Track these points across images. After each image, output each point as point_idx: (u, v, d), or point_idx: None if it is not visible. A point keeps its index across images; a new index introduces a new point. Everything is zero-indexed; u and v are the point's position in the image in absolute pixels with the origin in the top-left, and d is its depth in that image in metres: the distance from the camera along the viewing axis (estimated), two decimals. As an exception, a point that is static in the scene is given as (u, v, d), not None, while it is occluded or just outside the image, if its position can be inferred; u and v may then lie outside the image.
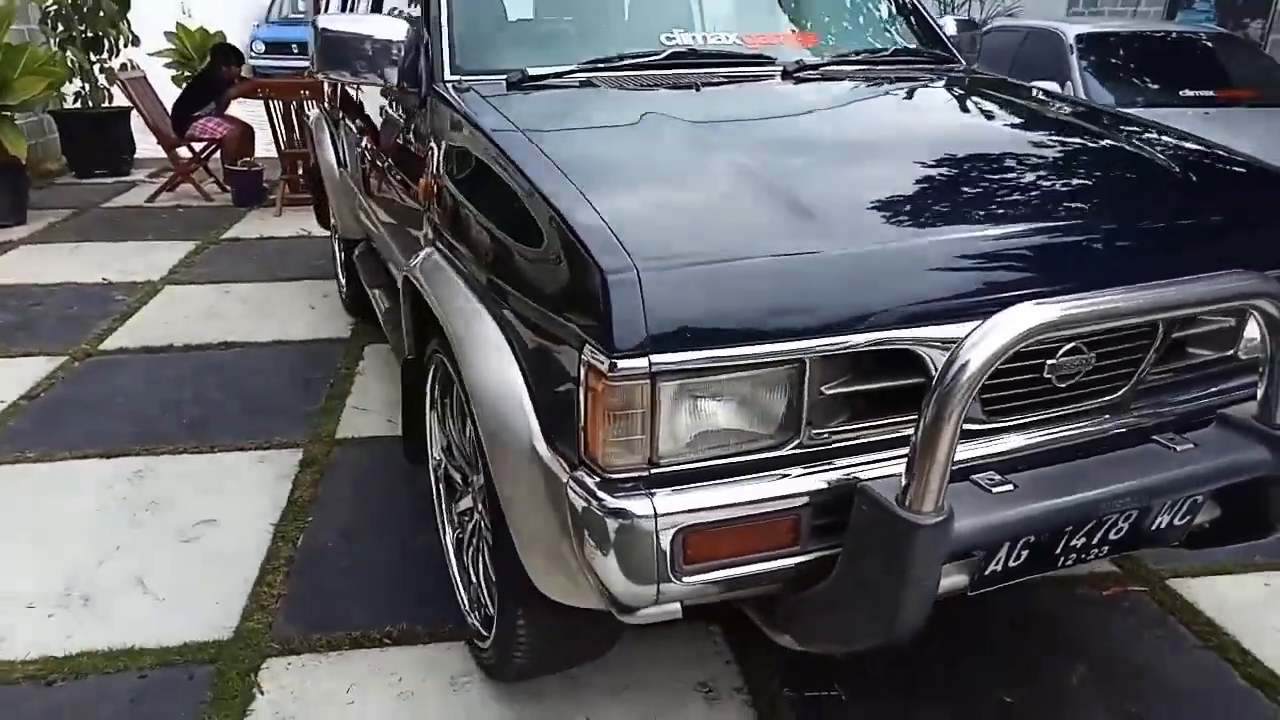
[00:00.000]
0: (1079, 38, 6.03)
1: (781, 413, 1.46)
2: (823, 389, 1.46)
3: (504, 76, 2.22)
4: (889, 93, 2.38)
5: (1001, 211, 1.64)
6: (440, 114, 2.18)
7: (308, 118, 4.92)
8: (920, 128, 2.13)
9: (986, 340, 1.29)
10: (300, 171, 7.14)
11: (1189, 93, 5.63)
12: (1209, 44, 6.25)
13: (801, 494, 1.45)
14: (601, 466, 1.41)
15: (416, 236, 2.34)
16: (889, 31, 2.86)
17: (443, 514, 2.33)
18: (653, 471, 1.42)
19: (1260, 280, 1.49)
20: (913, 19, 2.86)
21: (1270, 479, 1.63)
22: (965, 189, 1.74)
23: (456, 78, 2.24)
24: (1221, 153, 2.03)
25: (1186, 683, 2.11)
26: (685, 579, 1.42)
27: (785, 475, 1.46)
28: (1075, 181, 1.80)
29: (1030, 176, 1.83)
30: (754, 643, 2.16)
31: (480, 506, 1.98)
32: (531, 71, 2.18)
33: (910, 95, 2.38)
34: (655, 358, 1.35)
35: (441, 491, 2.33)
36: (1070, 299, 1.36)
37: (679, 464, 1.43)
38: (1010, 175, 1.83)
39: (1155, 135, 2.12)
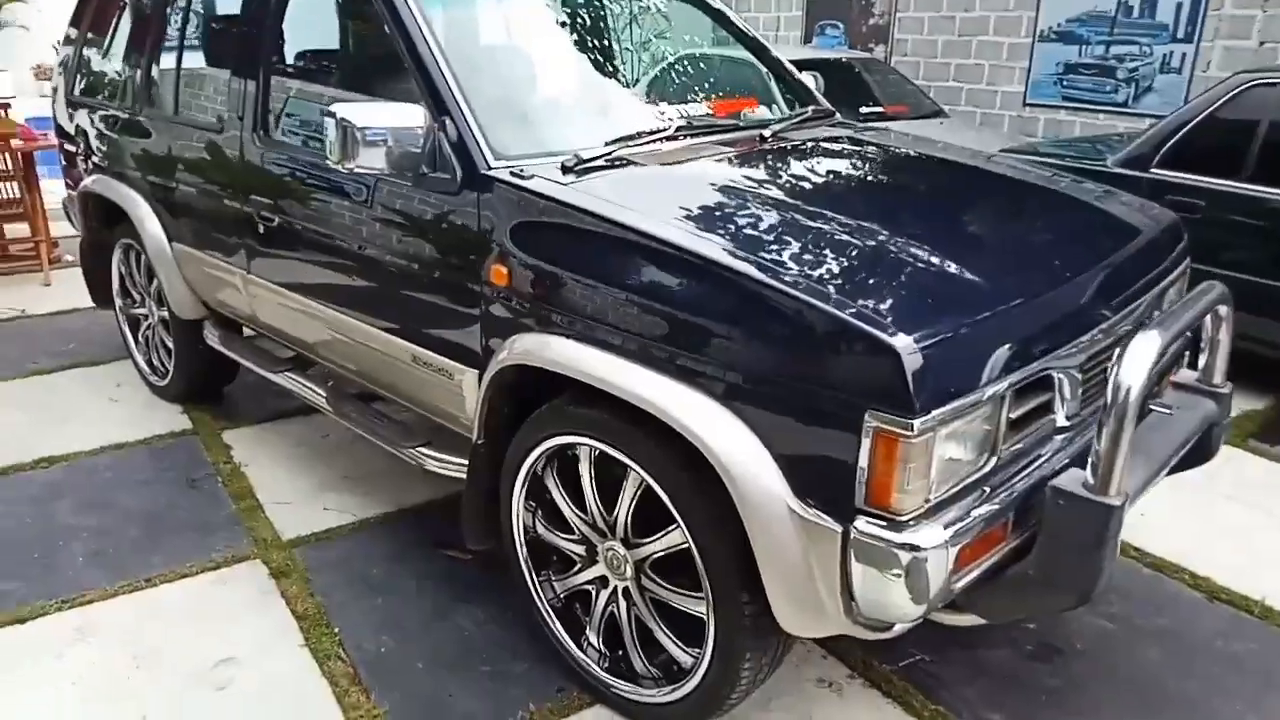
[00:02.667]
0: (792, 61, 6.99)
1: (988, 439, 1.83)
2: (1009, 415, 1.86)
3: (554, 159, 2.30)
4: (858, 152, 2.81)
5: (1059, 263, 2.14)
6: (504, 200, 2.21)
7: (74, 187, 4.22)
8: (933, 186, 2.60)
9: (1140, 365, 1.78)
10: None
11: (865, 110, 6.82)
12: (861, 67, 7.58)
13: (1013, 498, 1.85)
14: (894, 511, 1.69)
15: (463, 322, 2.34)
16: (787, 93, 3.33)
17: (537, 587, 2.38)
18: (926, 507, 1.72)
19: (1223, 289, 2.17)
20: (798, 86, 3.35)
21: (1214, 422, 2.34)
22: (1021, 244, 2.23)
23: (506, 163, 2.27)
24: (1098, 189, 2.74)
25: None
26: (954, 587, 1.76)
27: (1001, 487, 1.85)
28: (1071, 228, 2.38)
29: (1042, 229, 2.37)
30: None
31: (636, 572, 2.13)
32: (584, 154, 2.29)
33: (876, 155, 2.84)
34: (935, 412, 1.66)
35: (532, 566, 2.37)
36: (1158, 326, 1.90)
37: (940, 496, 1.75)
38: (1029, 229, 2.36)
39: (1046, 173, 2.81)
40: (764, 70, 3.49)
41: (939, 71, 7.93)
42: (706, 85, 3.03)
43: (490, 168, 2.27)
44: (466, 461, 2.47)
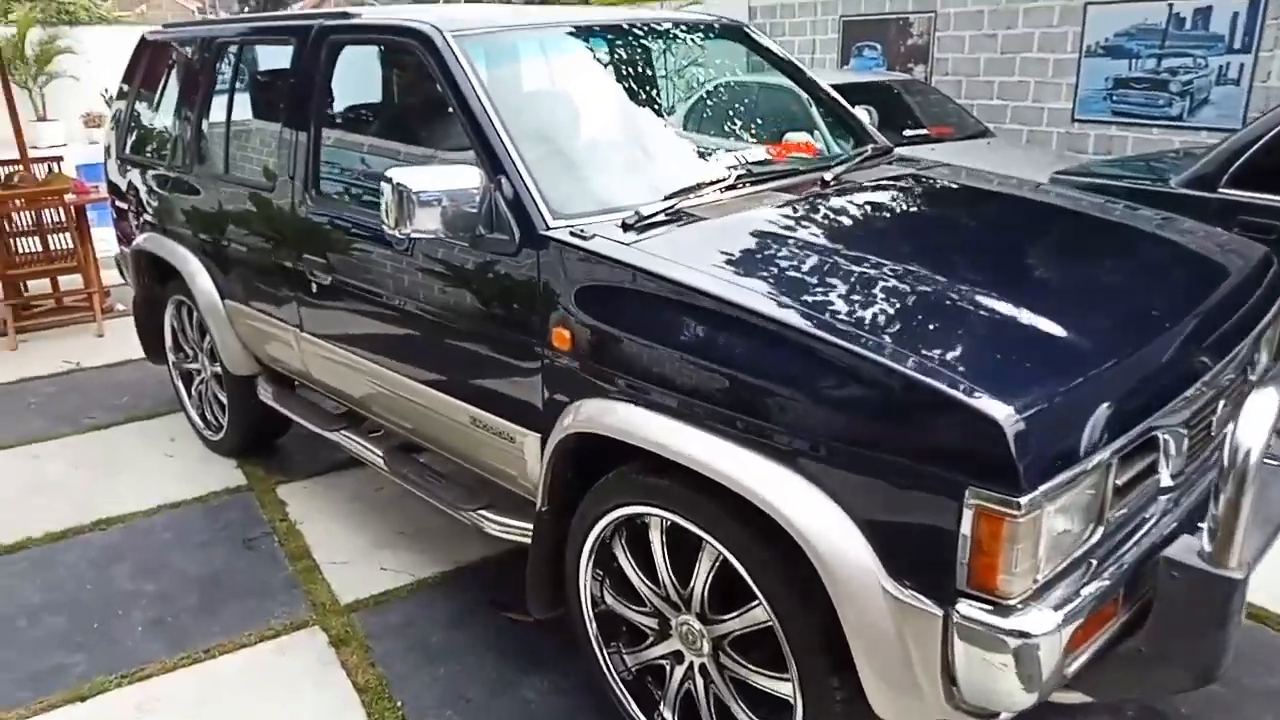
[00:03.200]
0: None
1: (1094, 508, 1.71)
2: (1115, 481, 1.74)
3: (614, 216, 2.23)
4: (926, 193, 2.71)
5: (1155, 312, 2.02)
6: (564, 261, 2.15)
7: (126, 243, 4.24)
8: (1006, 229, 2.48)
9: (1259, 425, 1.65)
10: (25, 292, 6.10)
11: (909, 133, 6.70)
12: (901, 89, 7.46)
13: (1123, 571, 1.72)
14: (1000, 595, 1.57)
15: (524, 385, 2.27)
16: (843, 133, 3.23)
17: (606, 659, 2.28)
18: (1034, 588, 1.61)
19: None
20: (851, 120, 3.25)
21: None
22: (1112, 291, 2.11)
23: (565, 222, 2.21)
24: (1181, 223, 2.61)
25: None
26: (1066, 671, 1.63)
27: (1110, 559, 1.72)
28: (1161, 271, 2.25)
29: (1131, 273, 2.24)
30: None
31: (714, 648, 2.03)
32: (644, 210, 2.21)
33: (945, 195, 2.73)
34: (1042, 487, 1.55)
35: (601, 638, 2.28)
36: (1275, 381, 1.76)
37: (1048, 576, 1.63)
38: (1118, 273, 2.23)
39: (1125, 208, 2.68)
40: (816, 107, 3.40)
41: (982, 90, 7.79)
42: (757, 122, 2.95)
43: (549, 227, 2.20)
44: (529, 526, 2.40)
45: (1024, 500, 1.52)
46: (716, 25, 3.31)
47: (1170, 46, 6.48)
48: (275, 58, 3.32)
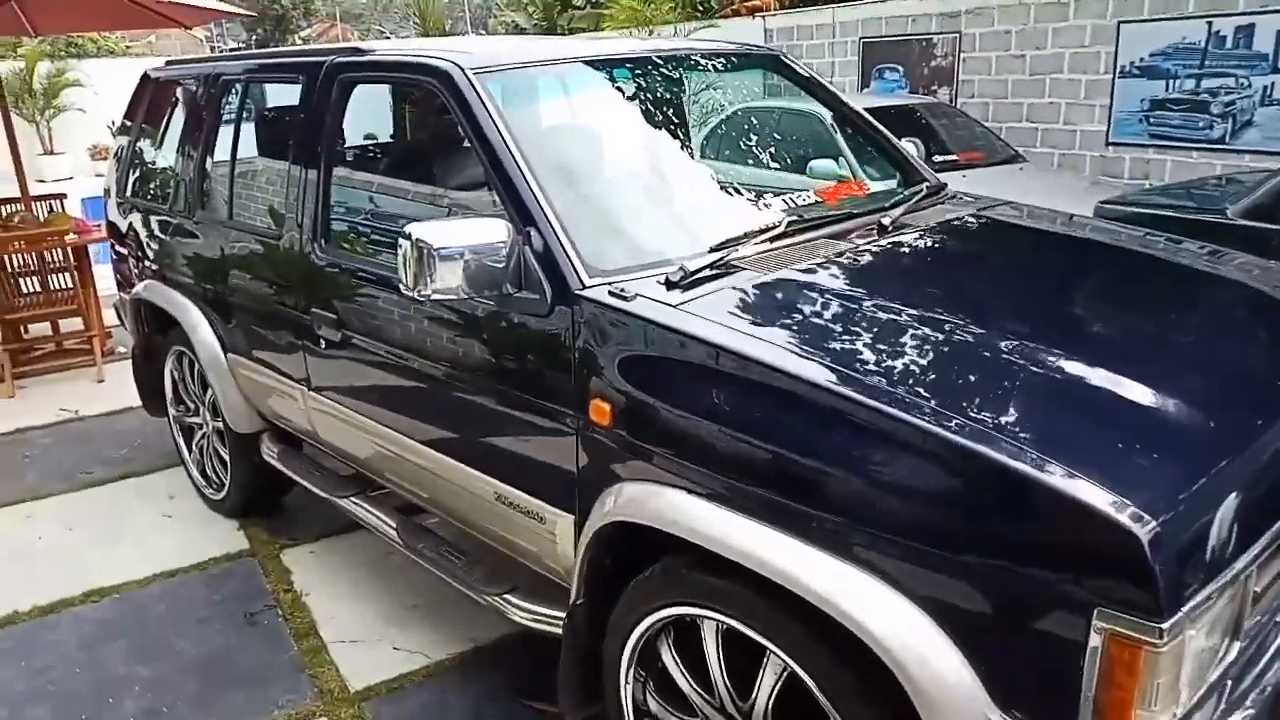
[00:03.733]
0: (834, 116, 6.69)
1: (1231, 622, 1.46)
2: (1254, 588, 1.48)
3: (655, 271, 2.00)
4: (994, 239, 2.48)
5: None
6: (603, 325, 1.91)
7: (126, 289, 4.04)
8: (1090, 281, 2.24)
9: None
10: (24, 334, 5.91)
11: (938, 158, 6.47)
12: (926, 113, 7.24)
13: (1266, 697, 1.47)
14: (1133, 737, 1.31)
15: (557, 461, 2.03)
16: (892, 170, 3.00)
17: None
18: (1175, 726, 1.35)
19: None
20: (898, 155, 3.02)
21: None
22: (1228, 359, 1.85)
23: (600, 280, 1.97)
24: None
25: None
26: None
27: (1251, 682, 1.47)
28: (1271, 333, 2.00)
29: (1243, 335, 2.00)
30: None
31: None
32: (690, 265, 1.97)
33: (1015, 241, 2.50)
34: (1185, 608, 1.30)
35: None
36: None
37: (1187, 708, 1.38)
38: (1228, 335, 1.98)
39: (1214, 252, 2.44)
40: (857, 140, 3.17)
41: (1010, 112, 7.57)
42: (778, 149, 2.73)
43: (584, 286, 1.97)
44: (560, 616, 2.15)
45: (1166, 625, 1.26)
46: (753, 55, 3.09)
47: (1210, 66, 6.25)
48: (283, 96, 3.11)
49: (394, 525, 2.71)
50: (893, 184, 3.05)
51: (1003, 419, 1.49)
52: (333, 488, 3.00)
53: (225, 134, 3.28)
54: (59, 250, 5.63)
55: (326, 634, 2.95)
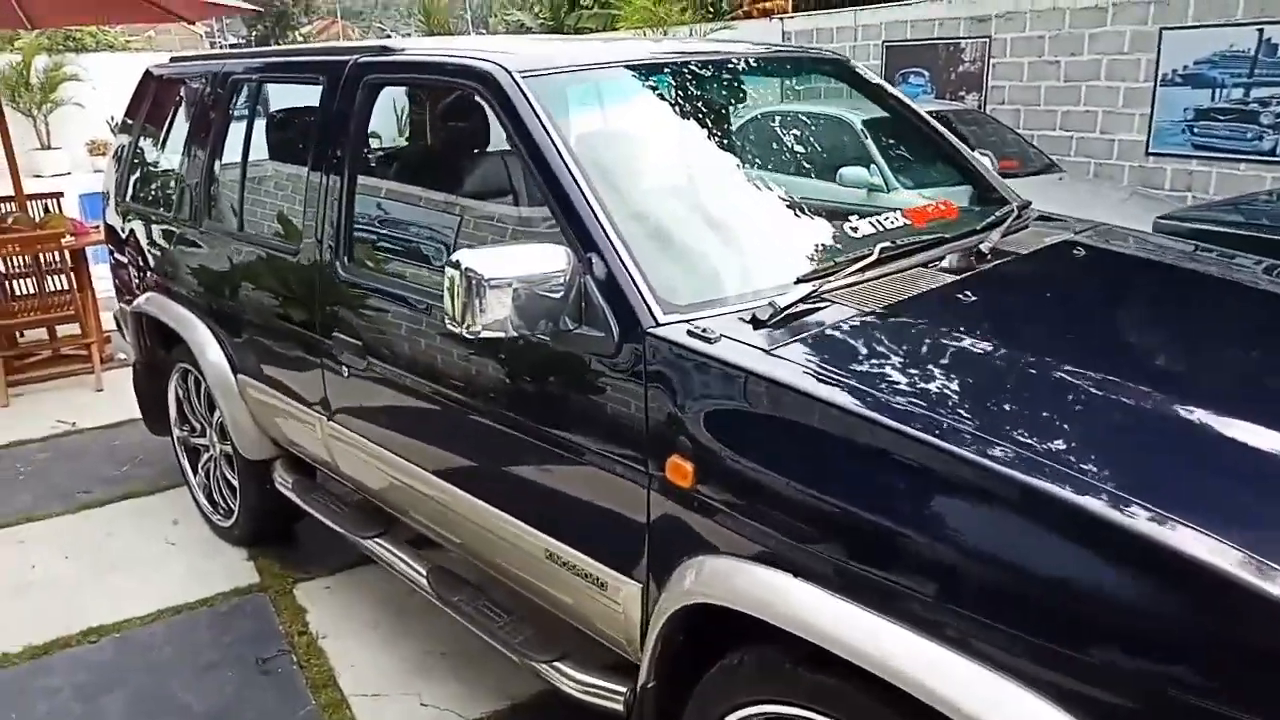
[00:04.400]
0: (865, 123, 6.45)
1: None
2: None
3: (738, 305, 1.75)
4: (1105, 268, 2.24)
5: None
6: (682, 370, 1.66)
7: (125, 298, 3.78)
8: (1223, 318, 2.00)
9: None
10: (19, 340, 5.66)
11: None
12: (957, 120, 7.00)
13: None
14: None
15: (623, 522, 1.78)
16: (976, 190, 2.75)
17: None
18: None
19: None
20: (974, 169, 2.78)
21: None
22: None
23: (675, 316, 1.72)
24: None
25: None
26: None
27: None
28: None
29: None
30: None
31: None
32: (779, 302, 1.72)
33: (1129, 272, 2.27)
34: None
35: None
36: None
37: None
38: None
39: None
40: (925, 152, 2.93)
41: (1043, 120, 7.33)
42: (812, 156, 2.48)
43: (657, 323, 1.72)
44: (621, 691, 1.90)
45: None
46: (817, 59, 2.85)
47: (1261, 75, 6.01)
48: (299, 98, 2.86)
49: (424, 573, 2.45)
50: (967, 201, 2.83)
51: (1192, 505, 1.23)
52: (355, 526, 2.75)
53: (235, 138, 3.03)
54: (55, 254, 5.36)
55: (346, 684, 2.69)
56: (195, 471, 3.65)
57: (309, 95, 2.72)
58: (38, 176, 13.11)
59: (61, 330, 5.83)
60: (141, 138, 3.68)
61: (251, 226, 2.92)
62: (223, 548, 3.49)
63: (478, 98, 2.14)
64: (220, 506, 3.52)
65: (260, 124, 2.98)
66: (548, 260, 1.77)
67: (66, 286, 5.44)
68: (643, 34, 10.16)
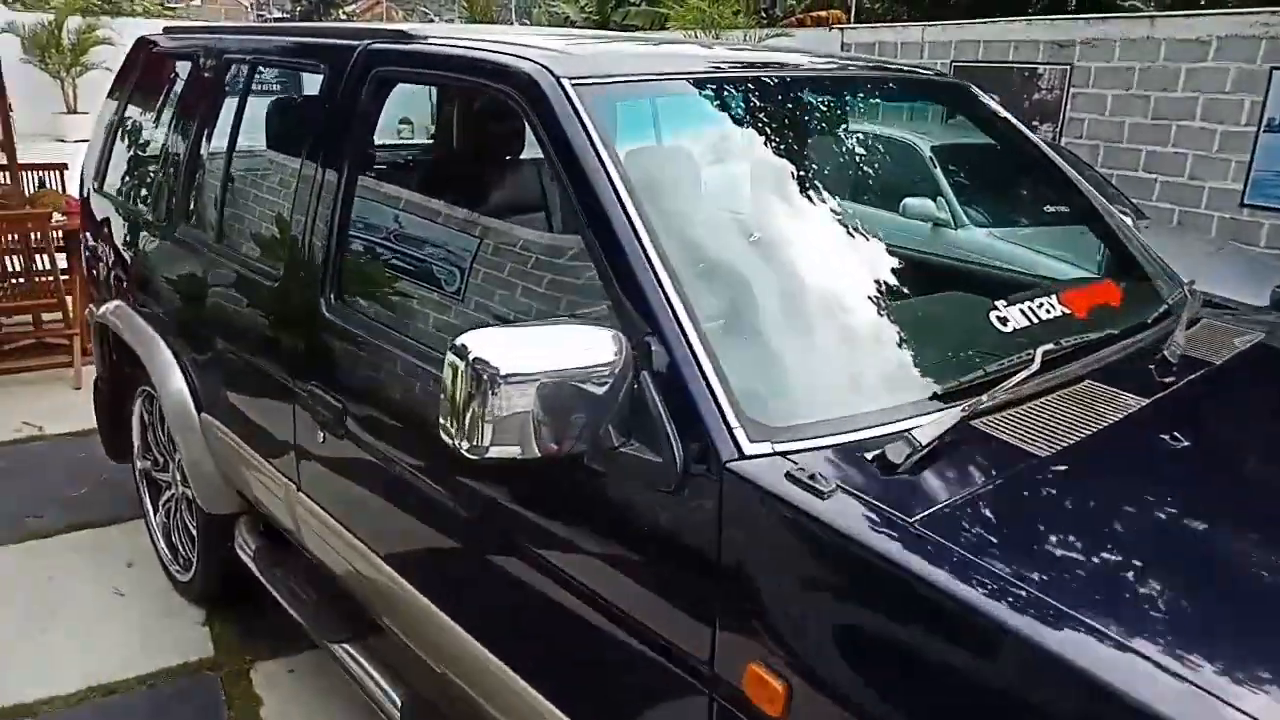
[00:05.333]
0: (934, 149, 5.90)
1: None
2: None
3: (856, 434, 1.22)
4: None
5: None
6: (777, 532, 1.14)
7: (92, 296, 3.30)
8: None
9: None
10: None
11: (1049, 209, 5.65)
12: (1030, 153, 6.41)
13: None
14: None
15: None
16: (1116, 259, 2.20)
17: None
18: None
19: None
20: (1120, 234, 2.23)
21: None
22: None
23: (771, 444, 1.20)
24: None
25: None
26: None
27: None
28: None
29: None
30: None
31: None
32: (919, 436, 1.19)
33: None
34: None
35: None
36: None
37: None
38: None
39: None
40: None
41: (1125, 159, 6.73)
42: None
43: (742, 454, 1.19)
44: None
45: None
46: (938, 83, 2.32)
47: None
48: (299, 87, 2.36)
49: (398, 705, 1.93)
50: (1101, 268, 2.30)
51: None
52: (321, 622, 2.23)
53: (222, 129, 2.52)
54: (38, 233, 4.90)
55: (296, 816, 2.19)
56: (156, 509, 3.15)
57: (312, 85, 2.22)
58: (61, 140, 12.76)
59: (47, 316, 5.37)
60: (124, 118, 3.19)
61: (231, 239, 2.41)
62: (178, 605, 2.99)
63: (512, 105, 1.62)
64: (180, 555, 3.02)
65: (251, 116, 2.48)
66: (590, 346, 1.25)
67: (50, 268, 4.97)
68: (694, 35, 9.64)
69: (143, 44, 3.17)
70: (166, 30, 3.16)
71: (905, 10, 11.79)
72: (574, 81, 1.54)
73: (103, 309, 3.04)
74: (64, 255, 5.17)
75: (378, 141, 2.41)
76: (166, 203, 2.70)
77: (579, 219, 1.43)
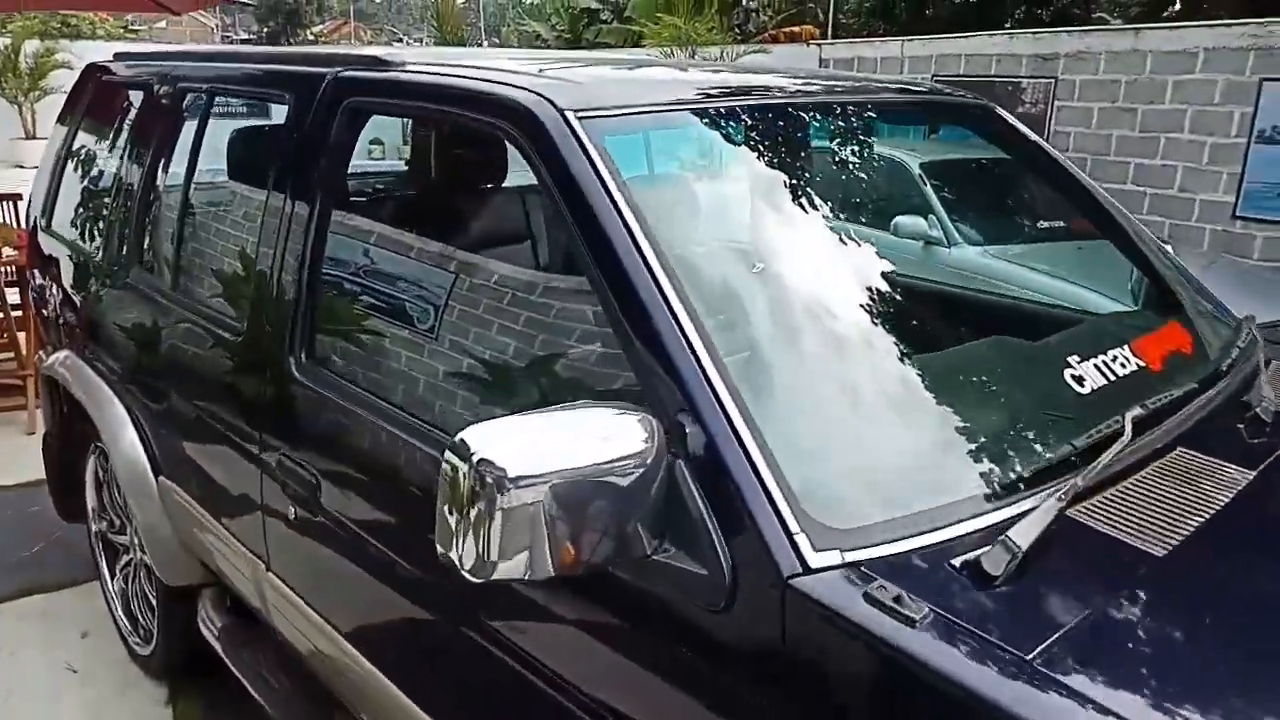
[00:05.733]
0: (923, 166, 5.76)
1: None
2: None
3: (936, 535, 1.02)
4: None
5: None
6: (847, 664, 0.93)
7: (41, 340, 3.04)
8: None
9: None
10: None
11: (1044, 224, 5.52)
12: (1008, 169, 6.29)
13: None
14: None
15: None
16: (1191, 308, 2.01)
17: None
18: None
19: None
20: (1165, 271, 2.05)
21: None
22: None
23: (835, 550, 0.99)
24: None
25: None
26: None
27: None
28: None
29: None
30: None
31: None
32: (1016, 538, 0.99)
33: None
34: None
35: None
36: None
37: None
38: None
39: None
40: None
41: (1113, 172, 6.63)
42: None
43: (807, 567, 0.98)
44: None
45: None
46: (959, 104, 2.14)
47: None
48: (261, 118, 2.14)
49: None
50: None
51: None
52: (296, 717, 1.99)
53: (178, 165, 2.29)
54: (-10, 270, 4.62)
55: None
56: (113, 575, 2.89)
57: (278, 116, 1.99)
58: (19, 167, 12.38)
59: (-1, 356, 5.08)
60: (72, 149, 2.94)
61: (189, 286, 2.18)
62: (137, 680, 2.72)
63: (510, 141, 1.41)
64: (140, 626, 2.75)
65: (209, 151, 2.25)
66: (612, 434, 1.04)
67: (0, 305, 4.69)
68: (670, 53, 9.50)
69: (92, 71, 2.93)
70: (118, 56, 2.92)
71: (881, 25, 11.74)
72: (579, 114, 1.33)
73: (51, 359, 2.79)
74: (16, 291, 4.89)
75: (350, 171, 2.19)
76: (118, 244, 2.46)
77: (591, 275, 1.22)
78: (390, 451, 1.48)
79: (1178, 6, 12.77)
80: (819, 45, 9.38)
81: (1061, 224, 5.88)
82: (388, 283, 1.77)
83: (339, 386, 1.64)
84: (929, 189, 5.67)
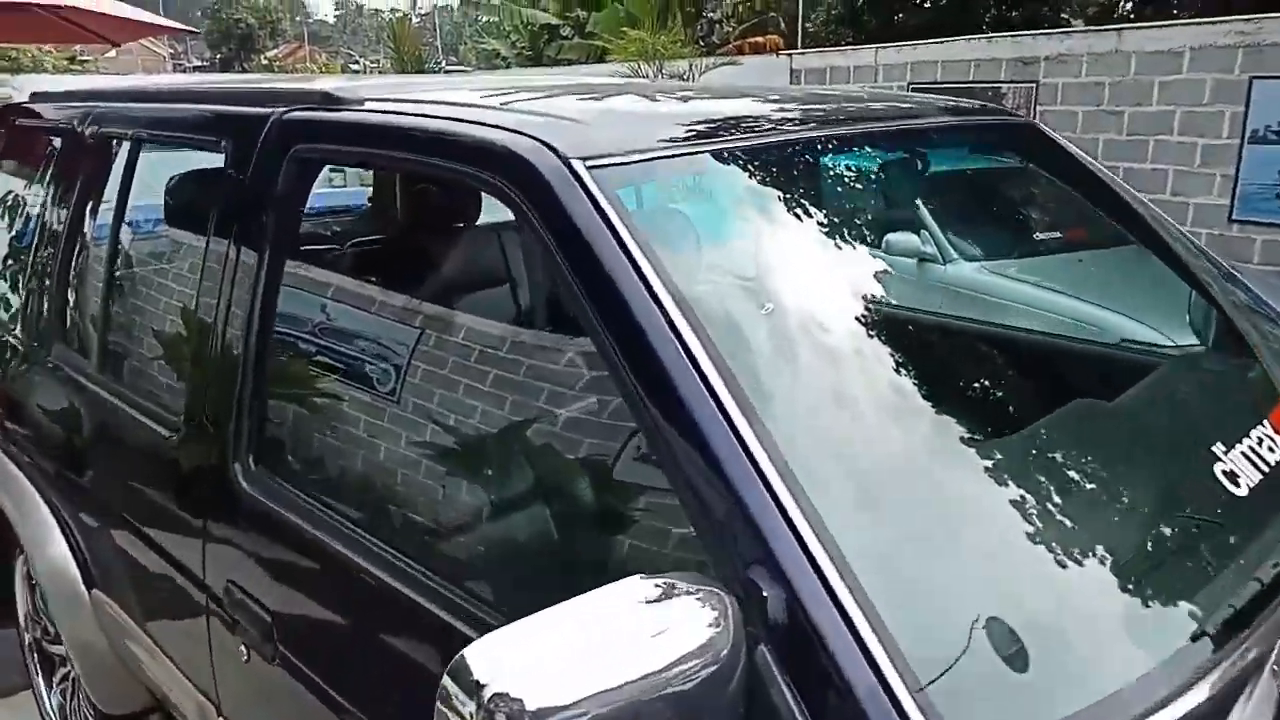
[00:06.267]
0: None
1: None
2: None
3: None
4: None
5: None
6: None
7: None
8: None
9: None
10: None
11: (1041, 236, 5.31)
12: (998, 180, 6.10)
13: None
14: None
15: None
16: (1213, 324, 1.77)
17: None
18: None
19: None
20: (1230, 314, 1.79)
21: None
22: None
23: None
24: None
25: None
26: None
27: None
28: None
29: None
30: None
31: None
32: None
33: None
34: None
35: None
36: None
37: None
38: None
39: None
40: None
41: (1100, 177, 6.46)
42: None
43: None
44: None
45: None
46: (1002, 125, 1.88)
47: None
48: (195, 165, 1.83)
49: None
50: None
51: None
52: None
53: (101, 227, 1.97)
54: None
55: None
56: (50, 689, 2.53)
57: (211, 162, 1.68)
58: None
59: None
60: (-12, 206, 2.60)
61: (116, 368, 1.86)
62: (81, 812, 2.38)
63: (504, 197, 1.11)
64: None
65: (138, 211, 1.93)
66: (670, 624, 0.74)
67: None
68: (636, 68, 9.27)
69: (5, 114, 2.59)
70: (34, 96, 2.58)
71: (849, 33, 11.59)
72: (587, 162, 1.04)
73: (-33, 448, 2.44)
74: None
75: (302, 229, 1.88)
76: (37, 317, 2.13)
77: (620, 379, 0.93)
78: (364, 594, 1.18)
79: (1129, 6, 12.78)
80: (789, 55, 9.18)
81: (1056, 235, 5.65)
82: (355, 370, 1.46)
83: (296, 504, 1.33)
84: (919, 201, 5.43)
